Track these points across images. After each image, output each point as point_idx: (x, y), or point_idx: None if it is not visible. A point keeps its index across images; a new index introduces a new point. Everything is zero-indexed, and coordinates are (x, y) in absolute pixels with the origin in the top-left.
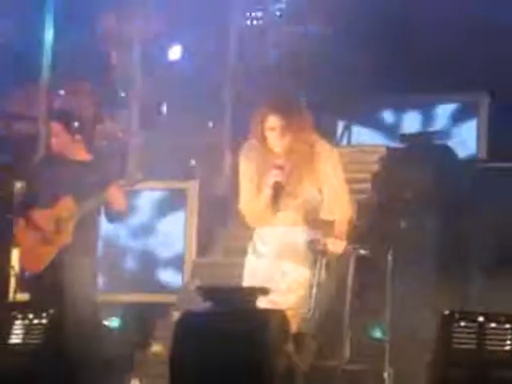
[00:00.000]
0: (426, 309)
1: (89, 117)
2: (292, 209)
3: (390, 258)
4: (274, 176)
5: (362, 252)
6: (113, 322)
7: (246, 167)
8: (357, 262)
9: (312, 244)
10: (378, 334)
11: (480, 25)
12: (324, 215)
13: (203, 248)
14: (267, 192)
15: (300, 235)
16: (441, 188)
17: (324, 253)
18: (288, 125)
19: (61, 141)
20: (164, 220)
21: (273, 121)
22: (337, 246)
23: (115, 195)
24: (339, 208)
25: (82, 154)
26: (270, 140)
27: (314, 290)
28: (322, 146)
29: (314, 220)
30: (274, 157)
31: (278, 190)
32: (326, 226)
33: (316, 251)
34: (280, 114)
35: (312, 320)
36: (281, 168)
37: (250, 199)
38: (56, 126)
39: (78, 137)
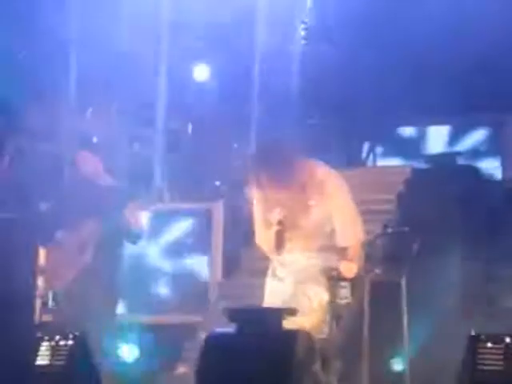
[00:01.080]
0: (446, 334)
1: (114, 139)
2: (302, 238)
3: (403, 282)
4: (277, 214)
5: (377, 273)
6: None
7: (256, 205)
8: (372, 286)
9: (325, 271)
10: (397, 365)
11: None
12: (337, 241)
13: (228, 269)
14: (274, 229)
15: (315, 261)
16: (466, 209)
17: (338, 279)
18: (280, 176)
19: (87, 165)
20: (189, 240)
21: (265, 177)
22: (350, 270)
23: (133, 213)
24: (351, 233)
25: (106, 178)
26: (266, 188)
27: (333, 313)
28: (326, 175)
29: (327, 247)
30: (275, 194)
31: (283, 226)
32: (339, 252)
33: (330, 277)
34: (270, 170)
35: (333, 342)
36: (282, 205)
37: (262, 234)
38: (82, 152)
39: (101, 160)
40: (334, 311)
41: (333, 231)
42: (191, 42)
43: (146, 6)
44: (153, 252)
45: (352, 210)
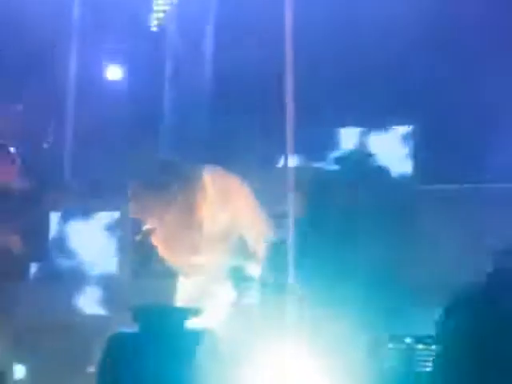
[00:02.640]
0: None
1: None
2: (210, 243)
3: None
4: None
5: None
6: None
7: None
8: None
9: (232, 271)
10: None
11: (416, 52)
12: (245, 243)
13: (140, 270)
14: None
15: (223, 261)
16: (376, 211)
17: (246, 279)
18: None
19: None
20: (101, 239)
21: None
22: (256, 270)
23: None
24: (256, 234)
25: (21, 180)
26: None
27: (240, 313)
28: (224, 180)
29: (235, 249)
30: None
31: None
32: (248, 254)
33: (238, 278)
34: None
35: (239, 342)
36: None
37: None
38: None
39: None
40: (242, 311)
41: (241, 235)
42: (105, 42)
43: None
44: (65, 251)
45: (255, 211)
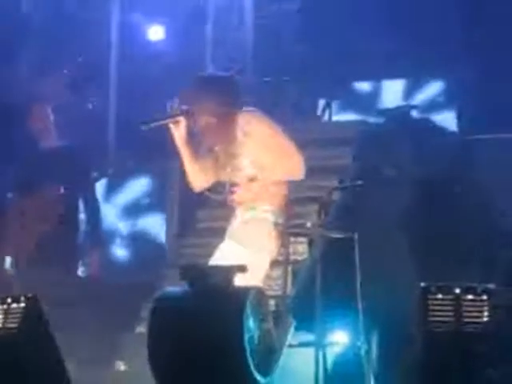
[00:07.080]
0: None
1: (63, 100)
2: (246, 188)
3: (356, 237)
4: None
5: (329, 228)
6: None
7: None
8: (326, 241)
9: (276, 226)
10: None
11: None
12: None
13: (184, 229)
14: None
15: (264, 215)
16: (420, 161)
17: (295, 234)
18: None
19: (38, 122)
20: (145, 201)
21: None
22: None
23: None
24: (285, 170)
25: (55, 138)
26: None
27: (290, 269)
28: (244, 118)
29: (272, 198)
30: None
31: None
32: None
33: (283, 233)
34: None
35: (286, 298)
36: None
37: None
38: (37, 106)
39: (52, 121)
40: (291, 267)
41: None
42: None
43: None
44: (109, 213)
45: (284, 144)
